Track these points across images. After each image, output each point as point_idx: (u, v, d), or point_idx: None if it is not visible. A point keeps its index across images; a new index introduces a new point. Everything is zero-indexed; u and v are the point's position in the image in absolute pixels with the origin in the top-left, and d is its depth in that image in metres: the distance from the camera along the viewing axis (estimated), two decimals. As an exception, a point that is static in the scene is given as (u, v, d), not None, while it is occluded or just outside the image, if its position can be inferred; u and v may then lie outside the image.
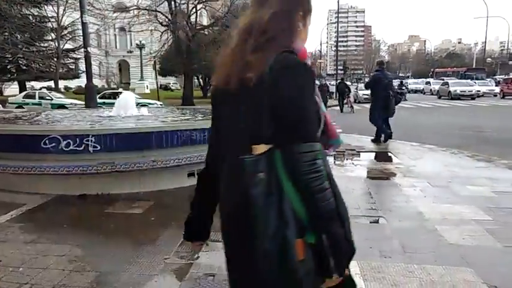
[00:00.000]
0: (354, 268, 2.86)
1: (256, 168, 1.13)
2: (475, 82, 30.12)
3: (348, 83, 24.88)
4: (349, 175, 5.64)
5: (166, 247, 3.24)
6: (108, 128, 4.88)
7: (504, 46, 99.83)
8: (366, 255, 3.09)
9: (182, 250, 3.19)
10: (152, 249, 3.21)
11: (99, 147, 4.46)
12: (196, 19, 23.92)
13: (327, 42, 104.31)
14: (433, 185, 5.11)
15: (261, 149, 1.14)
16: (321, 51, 77.96)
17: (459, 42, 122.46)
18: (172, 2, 22.55)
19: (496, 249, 3.22)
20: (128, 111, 6.37)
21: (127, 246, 3.31)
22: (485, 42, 44.07)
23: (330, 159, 6.41)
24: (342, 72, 44.72)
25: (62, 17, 26.19)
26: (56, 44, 25.96)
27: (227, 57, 1.25)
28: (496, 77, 41.54)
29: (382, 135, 8.15)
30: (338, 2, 28.34)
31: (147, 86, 38.19)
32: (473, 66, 47.90)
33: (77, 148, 4.42)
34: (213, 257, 3.07)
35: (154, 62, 24.87)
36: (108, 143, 4.51)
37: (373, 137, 8.27)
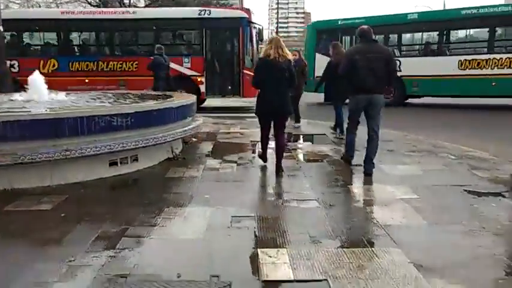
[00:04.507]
0: (283, 257, 2.69)
1: None
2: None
3: None
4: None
5: (74, 247, 2.84)
6: (9, 114, 4.24)
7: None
8: (296, 241, 2.94)
9: (94, 249, 2.82)
10: (56, 251, 2.79)
11: (-4, 136, 3.86)
12: (130, 0, 22.56)
13: (269, 28, 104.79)
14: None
15: None
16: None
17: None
18: (102, -19, 20.98)
19: (422, 227, 3.22)
20: (40, 95, 5.68)
21: (25, 248, 2.85)
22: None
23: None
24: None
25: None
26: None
27: None
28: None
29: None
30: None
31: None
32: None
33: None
34: (128, 255, 2.74)
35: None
36: (9, 131, 3.92)
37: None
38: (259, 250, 2.80)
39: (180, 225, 3.27)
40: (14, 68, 11.22)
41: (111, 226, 3.22)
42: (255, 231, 3.11)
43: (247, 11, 11.98)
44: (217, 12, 11.93)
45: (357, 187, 4.32)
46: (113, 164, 4.65)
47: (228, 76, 11.94)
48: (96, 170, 4.44)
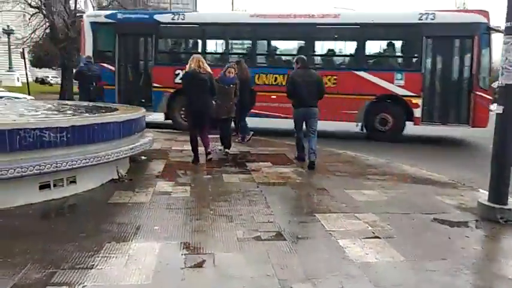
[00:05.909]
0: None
1: None
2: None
3: None
4: (240, 178, 5.07)
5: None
6: None
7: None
8: (261, 286, 2.50)
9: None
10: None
11: None
12: (76, 4, 21.31)
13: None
14: (329, 191, 4.82)
15: None
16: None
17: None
18: (45, -19, 19.60)
19: (400, 264, 2.91)
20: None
21: None
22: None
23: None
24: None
25: None
26: None
27: None
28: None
29: None
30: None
31: (18, 79, 32.97)
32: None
33: None
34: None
35: (23, 50, 21.25)
36: None
37: None
38: (219, 300, 2.32)
39: (122, 267, 2.71)
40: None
41: (34, 270, 2.60)
42: (213, 274, 2.63)
43: (486, 13, 8.84)
44: (443, 17, 9.09)
45: (325, 215, 3.95)
46: (44, 186, 3.96)
47: (453, 99, 9.20)
48: (21, 195, 3.73)
